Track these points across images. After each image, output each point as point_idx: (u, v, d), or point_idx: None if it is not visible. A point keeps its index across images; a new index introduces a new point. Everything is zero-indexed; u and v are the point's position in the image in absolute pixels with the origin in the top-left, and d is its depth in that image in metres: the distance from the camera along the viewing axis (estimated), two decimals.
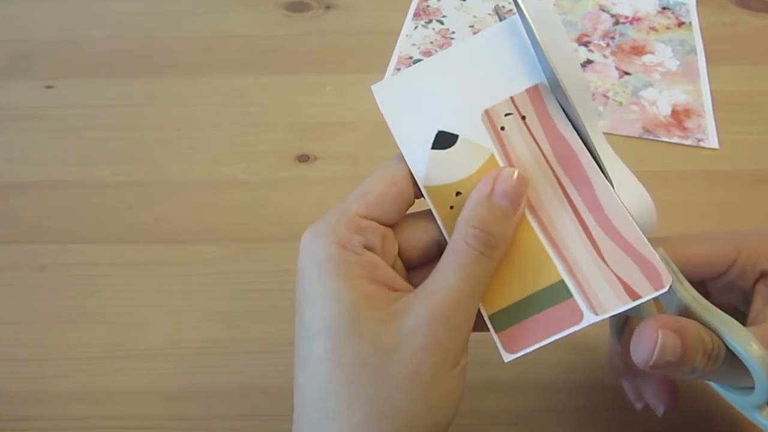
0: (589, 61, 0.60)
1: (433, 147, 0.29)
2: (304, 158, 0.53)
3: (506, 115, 0.29)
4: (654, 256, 0.27)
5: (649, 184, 0.29)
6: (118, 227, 0.49)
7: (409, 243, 0.30)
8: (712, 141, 0.53)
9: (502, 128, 0.29)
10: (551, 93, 0.29)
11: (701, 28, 0.63)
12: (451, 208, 0.29)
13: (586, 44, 0.62)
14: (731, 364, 0.27)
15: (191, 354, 0.42)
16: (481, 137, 0.29)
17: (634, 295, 0.27)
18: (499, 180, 0.28)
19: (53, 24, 0.67)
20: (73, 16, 0.68)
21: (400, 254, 0.30)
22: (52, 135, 0.56)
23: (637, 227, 0.28)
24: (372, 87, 0.30)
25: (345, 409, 0.26)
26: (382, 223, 0.29)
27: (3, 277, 0.46)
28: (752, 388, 0.27)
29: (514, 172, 0.28)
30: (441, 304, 0.26)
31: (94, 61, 0.63)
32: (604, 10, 0.65)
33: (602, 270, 0.28)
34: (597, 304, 0.27)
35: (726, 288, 0.32)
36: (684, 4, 0.66)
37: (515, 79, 0.29)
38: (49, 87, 0.60)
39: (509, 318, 0.29)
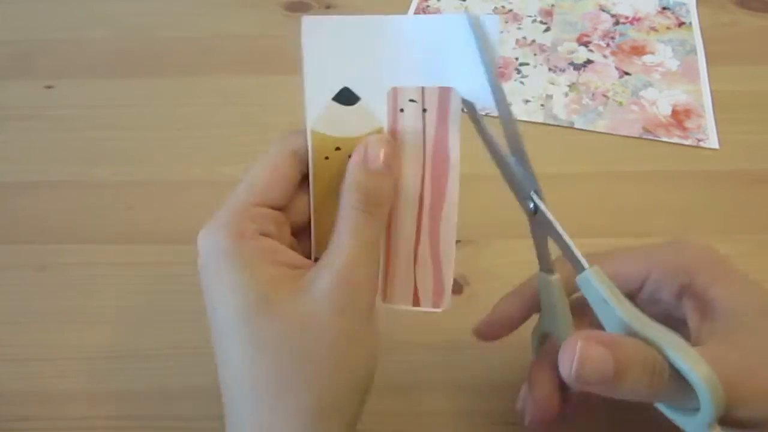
0: (589, 61, 0.60)
1: (334, 99, 0.30)
2: None
3: (410, 100, 0.30)
4: (448, 280, 0.31)
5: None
6: (118, 227, 0.49)
7: (299, 216, 0.31)
8: (712, 141, 0.53)
9: (401, 110, 0.30)
10: (459, 102, 0.30)
11: (701, 28, 0.63)
12: (326, 158, 0.30)
13: (586, 44, 0.62)
14: (676, 383, 0.26)
15: (191, 354, 0.42)
16: (378, 109, 0.30)
17: (416, 302, 0.31)
18: (369, 146, 0.30)
19: (53, 24, 0.67)
20: (73, 16, 0.68)
21: (292, 230, 0.31)
22: (52, 135, 0.56)
23: (453, 248, 0.31)
24: (303, 18, 0.29)
25: (273, 390, 0.27)
26: (273, 208, 0.30)
27: (3, 277, 0.46)
28: (699, 409, 0.26)
29: (380, 139, 0.30)
30: (342, 267, 0.28)
31: (94, 61, 0.63)
32: (604, 10, 0.65)
33: (409, 267, 0.31)
34: (390, 293, 0.32)
35: (650, 302, 0.32)
36: (684, 4, 0.66)
37: (436, 73, 0.30)
38: (49, 87, 0.60)
39: None
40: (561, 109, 0.56)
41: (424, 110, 0.30)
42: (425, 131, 0.30)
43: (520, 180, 0.30)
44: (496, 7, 0.66)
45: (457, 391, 0.39)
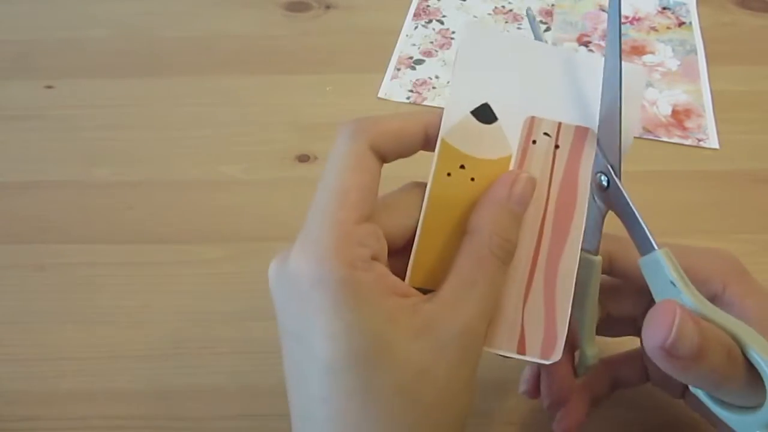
0: None
1: (473, 112, 0.29)
2: (304, 158, 0.53)
3: (545, 133, 0.29)
4: (562, 331, 0.28)
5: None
6: (118, 227, 0.49)
7: (393, 230, 0.28)
8: (712, 141, 0.53)
9: (534, 141, 0.29)
10: (594, 144, 0.29)
11: (701, 28, 0.63)
12: (449, 175, 0.28)
13: (586, 44, 0.62)
14: (745, 374, 0.25)
15: (191, 354, 0.42)
16: (512, 135, 0.29)
17: (521, 350, 0.28)
18: (517, 184, 0.28)
19: (53, 24, 0.67)
20: (73, 16, 0.68)
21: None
22: (52, 135, 0.56)
23: (570, 299, 0.28)
24: (466, 24, 0.29)
25: None
26: (369, 218, 0.26)
27: (3, 277, 0.46)
28: (757, 407, 0.26)
29: (528, 177, 0.28)
30: (472, 318, 0.26)
31: (94, 61, 0.63)
32: (604, 10, 0.65)
33: (517, 311, 0.28)
34: (492, 336, 0.28)
35: None
36: (684, 4, 0.66)
37: (577, 110, 0.29)
38: (49, 87, 0.60)
39: None
40: None
41: (557, 146, 0.29)
42: (553, 169, 0.29)
43: (599, 153, 0.29)
44: (496, 7, 0.66)
45: None
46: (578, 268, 0.31)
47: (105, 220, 0.49)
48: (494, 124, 0.29)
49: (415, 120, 0.28)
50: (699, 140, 0.53)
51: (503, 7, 0.66)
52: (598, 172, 0.29)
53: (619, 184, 0.29)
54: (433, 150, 0.29)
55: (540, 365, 0.34)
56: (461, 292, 0.26)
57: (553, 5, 0.66)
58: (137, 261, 0.47)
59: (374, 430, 0.25)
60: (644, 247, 0.29)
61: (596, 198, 0.30)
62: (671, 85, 0.57)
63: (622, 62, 0.29)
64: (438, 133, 0.28)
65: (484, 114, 0.29)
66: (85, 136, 0.56)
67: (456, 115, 0.29)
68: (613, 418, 0.37)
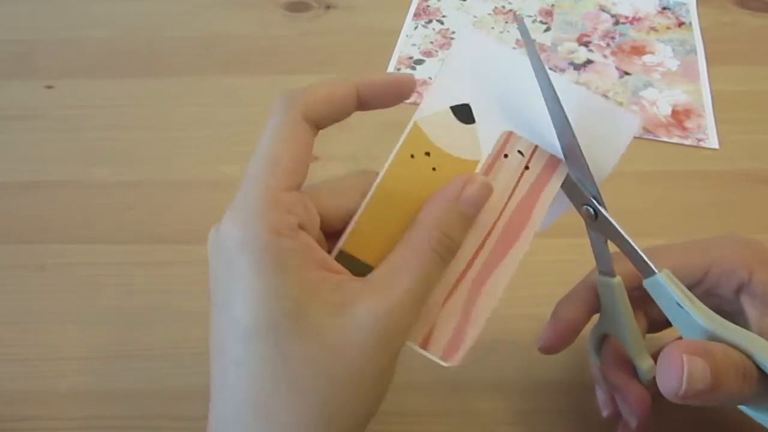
0: (589, 61, 0.60)
1: (453, 108, 0.29)
2: None
3: (519, 151, 0.29)
4: (469, 341, 0.28)
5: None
6: (118, 227, 0.49)
7: (333, 212, 0.28)
8: (712, 141, 0.53)
9: (506, 156, 0.29)
10: (562, 175, 0.29)
11: (701, 28, 0.63)
12: (412, 156, 0.29)
13: (586, 44, 0.62)
14: (764, 384, 0.26)
15: (191, 354, 0.42)
16: (485, 143, 0.29)
17: (424, 345, 0.28)
18: (470, 186, 0.28)
19: (53, 24, 0.67)
20: (73, 16, 0.68)
21: (320, 223, 0.28)
22: (52, 135, 0.56)
23: (488, 314, 0.28)
24: (465, 30, 0.30)
25: (287, 409, 0.25)
26: (298, 189, 0.27)
27: (3, 277, 0.46)
28: None
29: (480, 179, 0.28)
30: (395, 306, 0.26)
31: (94, 61, 0.63)
32: (604, 10, 0.65)
33: (435, 308, 0.29)
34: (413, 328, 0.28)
35: (705, 295, 0.32)
36: (684, 4, 0.66)
37: (554, 137, 0.29)
38: (49, 87, 0.60)
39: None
40: None
41: (527, 167, 0.29)
42: (517, 187, 0.29)
43: (579, 185, 0.29)
44: (496, 7, 0.66)
45: (457, 391, 0.39)
46: (600, 292, 0.32)
47: (105, 220, 0.49)
48: (470, 126, 0.29)
49: (344, 83, 0.28)
50: (699, 140, 0.53)
51: (503, 7, 0.66)
52: (583, 205, 0.30)
53: (606, 215, 0.29)
54: (367, 110, 0.29)
55: (619, 396, 0.34)
56: (389, 279, 0.26)
57: (553, 5, 0.66)
58: (137, 261, 0.47)
59: (283, 399, 0.25)
60: (645, 271, 0.29)
61: (590, 228, 0.30)
62: (671, 85, 0.57)
63: (621, 109, 0.29)
64: (370, 93, 0.29)
65: (463, 113, 0.29)
66: (85, 136, 0.56)
67: (435, 104, 0.29)
68: (612, 420, 0.37)
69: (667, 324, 0.32)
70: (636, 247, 0.29)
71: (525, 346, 0.40)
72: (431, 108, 0.29)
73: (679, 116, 0.55)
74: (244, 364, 0.25)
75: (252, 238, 0.25)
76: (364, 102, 0.29)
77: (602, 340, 0.34)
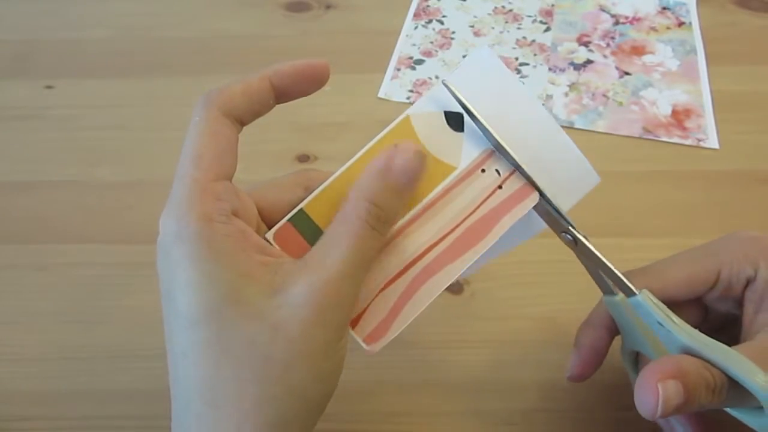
0: (589, 61, 0.60)
1: (446, 113, 0.30)
2: (304, 158, 0.53)
3: (496, 170, 0.30)
4: (396, 330, 0.29)
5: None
6: (118, 227, 0.49)
7: (272, 204, 0.29)
8: (712, 141, 0.53)
9: (483, 171, 0.30)
10: (530, 205, 0.30)
11: (701, 28, 0.63)
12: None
13: (586, 44, 0.62)
14: (737, 390, 0.27)
15: None
16: (467, 155, 0.30)
17: (354, 323, 0.29)
18: (398, 154, 0.28)
19: (53, 24, 0.67)
20: (73, 16, 0.68)
21: (261, 216, 0.29)
22: (52, 135, 0.56)
23: (420, 309, 0.29)
24: (485, 48, 0.31)
25: (233, 395, 0.25)
26: (229, 178, 0.28)
27: (3, 277, 0.46)
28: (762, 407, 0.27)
29: (412, 148, 0.28)
30: (330, 278, 0.26)
31: (94, 61, 0.63)
32: (604, 10, 0.65)
33: (372, 291, 0.29)
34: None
35: (719, 299, 0.32)
36: (684, 4, 0.66)
37: (534, 167, 0.30)
38: (49, 87, 0.60)
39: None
40: (561, 109, 0.56)
41: (500, 187, 0.30)
42: (485, 203, 0.30)
43: (555, 218, 0.30)
44: (496, 7, 0.66)
45: (457, 391, 0.39)
46: (611, 312, 0.32)
47: (105, 220, 0.49)
48: (458, 134, 0.30)
49: (258, 77, 0.29)
50: (699, 140, 0.53)
51: (503, 7, 0.66)
52: (562, 232, 0.31)
53: (585, 241, 0.30)
54: (286, 101, 0.30)
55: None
56: (323, 253, 0.26)
57: (553, 5, 0.66)
58: (137, 261, 0.47)
59: (227, 385, 0.25)
60: (626, 292, 0.30)
61: (575, 252, 0.31)
62: (671, 85, 0.57)
63: (588, 163, 0.31)
64: (284, 83, 0.29)
65: (455, 121, 0.30)
66: (85, 136, 0.56)
67: (431, 105, 0.30)
68: (611, 419, 0.37)
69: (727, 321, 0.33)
70: (614, 270, 0.30)
71: (525, 346, 0.41)
72: (426, 107, 0.30)
73: (679, 116, 0.55)
74: (188, 354, 0.26)
75: (184, 228, 0.25)
76: (281, 92, 0.29)
77: (635, 357, 0.34)
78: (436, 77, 0.59)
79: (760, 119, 0.55)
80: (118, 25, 0.66)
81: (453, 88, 0.29)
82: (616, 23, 0.64)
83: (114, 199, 0.51)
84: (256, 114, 0.29)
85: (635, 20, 0.64)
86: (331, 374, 0.27)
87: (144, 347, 0.42)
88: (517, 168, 0.30)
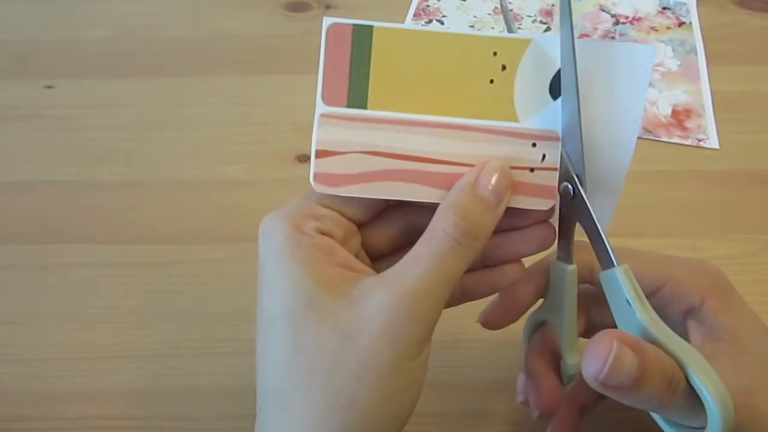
0: None
1: (559, 70, 0.28)
2: (304, 158, 0.53)
3: (544, 154, 0.29)
4: (346, 190, 0.28)
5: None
6: (118, 227, 0.49)
7: (374, 233, 0.30)
8: (712, 141, 0.53)
9: (534, 144, 0.29)
10: (545, 206, 0.29)
11: (701, 28, 0.63)
12: (495, 54, 0.28)
13: None
14: (687, 397, 0.25)
15: (191, 354, 0.42)
16: (538, 121, 0.29)
17: (318, 154, 0.29)
18: (485, 172, 0.28)
19: (53, 24, 0.67)
20: (73, 16, 0.68)
21: (364, 246, 0.29)
22: (52, 135, 0.56)
23: (376, 196, 0.29)
24: (653, 47, 0.30)
25: (302, 399, 0.25)
26: (344, 215, 0.28)
27: (3, 277, 0.46)
28: (702, 428, 0.25)
29: (500, 167, 0.28)
30: (405, 292, 0.25)
31: (94, 61, 0.63)
32: (604, 10, 0.65)
33: (363, 147, 0.28)
34: None
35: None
36: (684, 4, 0.66)
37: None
38: (49, 87, 0.60)
39: None
40: None
41: (531, 170, 0.29)
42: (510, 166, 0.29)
43: (566, 161, 0.29)
44: (496, 7, 0.66)
45: (457, 391, 0.39)
46: (552, 277, 0.32)
47: (105, 220, 0.49)
48: (547, 96, 0.29)
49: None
50: (699, 140, 0.53)
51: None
52: (563, 182, 0.29)
53: (584, 196, 0.29)
54: None
55: (529, 381, 0.34)
56: (401, 268, 0.26)
57: (553, 5, 0.66)
58: (137, 261, 0.47)
59: (299, 388, 0.25)
60: (605, 262, 0.28)
61: (563, 207, 0.30)
62: (671, 85, 0.57)
63: (631, 43, 0.29)
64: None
65: (557, 86, 0.29)
66: (85, 136, 0.56)
67: (554, 50, 0.28)
68: (607, 419, 0.37)
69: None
70: (603, 236, 0.28)
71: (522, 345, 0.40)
72: (551, 48, 0.28)
73: (679, 116, 0.55)
74: (266, 352, 0.27)
75: (277, 232, 0.27)
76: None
77: (538, 326, 0.34)
78: None
79: (760, 119, 0.55)
80: (118, 25, 0.66)
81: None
82: (616, 23, 0.64)
83: (114, 199, 0.51)
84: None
85: (635, 20, 0.64)
86: (400, 393, 0.26)
87: (144, 347, 0.42)
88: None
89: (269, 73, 0.61)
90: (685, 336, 0.31)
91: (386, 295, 0.25)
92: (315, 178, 0.28)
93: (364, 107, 0.28)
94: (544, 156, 0.29)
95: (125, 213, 0.50)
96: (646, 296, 0.30)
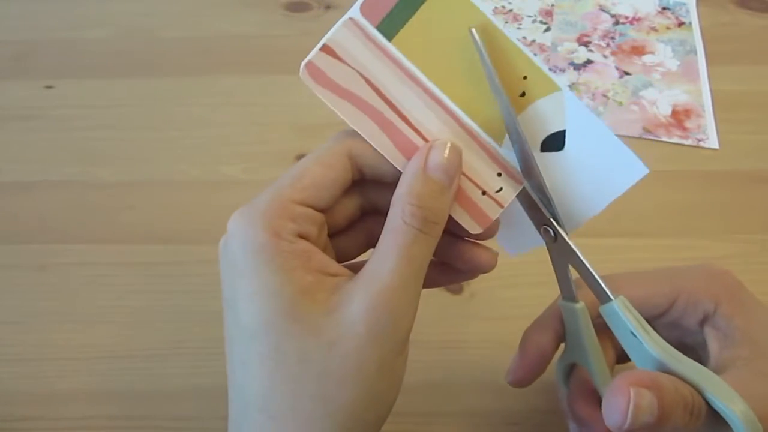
0: (589, 61, 0.60)
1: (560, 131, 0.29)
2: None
3: (501, 186, 0.29)
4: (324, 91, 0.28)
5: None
6: (118, 227, 0.49)
7: (339, 219, 0.29)
8: (712, 141, 0.53)
9: (499, 174, 0.29)
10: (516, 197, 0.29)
11: (701, 28, 0.63)
12: (525, 77, 0.29)
13: (586, 44, 0.62)
14: (711, 420, 0.25)
15: (191, 354, 0.42)
16: (514, 155, 0.29)
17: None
18: (432, 152, 0.27)
19: (53, 24, 0.67)
20: (73, 16, 0.68)
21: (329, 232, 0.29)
22: (52, 135, 0.56)
23: (348, 121, 0.28)
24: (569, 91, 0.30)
25: (289, 409, 0.25)
26: (316, 209, 0.27)
27: (3, 277, 0.46)
28: None
29: (446, 144, 0.27)
30: (381, 291, 0.25)
31: (94, 61, 0.63)
32: (604, 10, 0.65)
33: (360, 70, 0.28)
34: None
35: (670, 326, 0.31)
36: (684, 4, 0.66)
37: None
38: (49, 87, 0.60)
39: None
40: None
41: (483, 193, 0.29)
42: (463, 180, 0.29)
43: (539, 205, 0.29)
44: (496, 7, 0.66)
45: (457, 391, 0.39)
46: (565, 318, 0.31)
47: (105, 220, 0.49)
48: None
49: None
50: (699, 140, 0.53)
51: (503, 7, 0.66)
52: (543, 226, 0.29)
53: (566, 237, 0.29)
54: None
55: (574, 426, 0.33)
56: (373, 267, 0.26)
57: (553, 5, 0.66)
58: (137, 261, 0.47)
59: (285, 398, 0.25)
60: (601, 297, 0.29)
61: (550, 250, 0.30)
62: (671, 85, 0.57)
63: (633, 154, 0.29)
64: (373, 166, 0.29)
65: (559, 139, 0.29)
66: (85, 136, 0.56)
67: (571, 105, 0.29)
68: None
69: None
70: (593, 272, 0.28)
71: None
72: (565, 110, 0.29)
73: (679, 116, 0.55)
74: (247, 364, 0.26)
75: (252, 238, 0.26)
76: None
77: (570, 369, 0.33)
78: None
79: (760, 119, 0.55)
80: (118, 25, 0.66)
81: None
82: (616, 23, 0.64)
83: (114, 199, 0.51)
84: (379, 177, 0.29)
85: (635, 20, 0.64)
86: (385, 395, 0.26)
87: (144, 347, 0.42)
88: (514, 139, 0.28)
89: (269, 73, 0.61)
90: (703, 344, 0.31)
91: (364, 297, 0.25)
92: (306, 66, 0.28)
93: (389, 39, 0.28)
94: (501, 189, 0.29)
95: (125, 213, 0.50)
96: (660, 314, 0.30)
